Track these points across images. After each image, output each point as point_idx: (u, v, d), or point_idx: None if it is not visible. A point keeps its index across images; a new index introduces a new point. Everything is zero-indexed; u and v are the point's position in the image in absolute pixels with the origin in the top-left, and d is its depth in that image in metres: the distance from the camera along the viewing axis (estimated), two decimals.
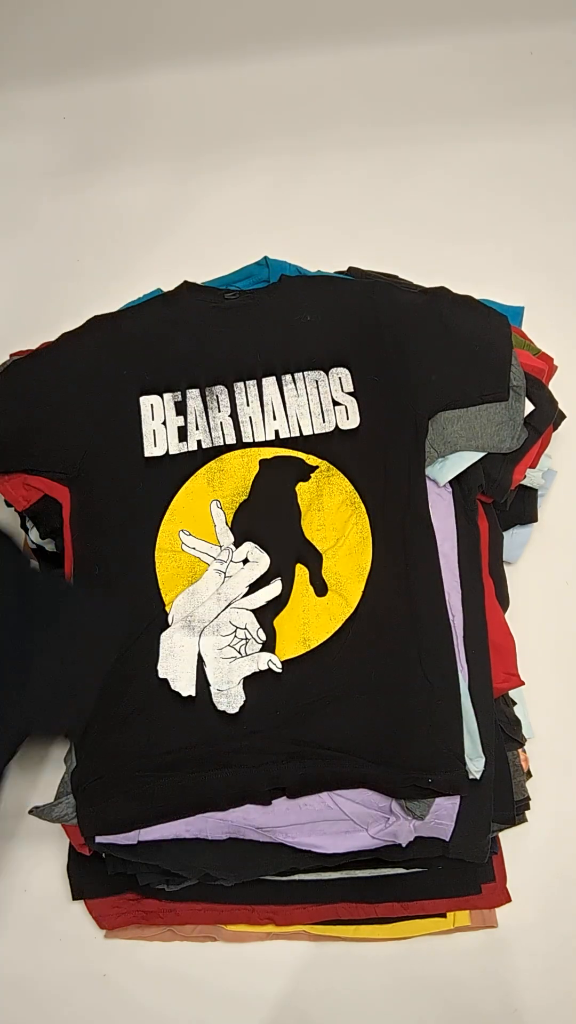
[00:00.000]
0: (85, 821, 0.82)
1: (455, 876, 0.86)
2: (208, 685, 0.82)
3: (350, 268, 1.05)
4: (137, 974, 0.91)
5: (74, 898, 0.90)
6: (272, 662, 0.82)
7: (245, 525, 0.87)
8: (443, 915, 0.88)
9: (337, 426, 0.88)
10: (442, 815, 0.81)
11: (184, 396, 0.90)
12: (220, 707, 0.81)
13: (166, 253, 1.14)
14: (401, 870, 0.86)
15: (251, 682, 0.82)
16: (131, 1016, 0.90)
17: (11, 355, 0.97)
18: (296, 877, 0.87)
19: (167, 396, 0.90)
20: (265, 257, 1.02)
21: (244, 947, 0.90)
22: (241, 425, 0.89)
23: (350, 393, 0.89)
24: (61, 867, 0.92)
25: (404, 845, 0.81)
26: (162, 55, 1.23)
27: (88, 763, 0.83)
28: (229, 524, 0.87)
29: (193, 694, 0.82)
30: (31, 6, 1.26)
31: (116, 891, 0.88)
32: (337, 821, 0.82)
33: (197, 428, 0.89)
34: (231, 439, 0.89)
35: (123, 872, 0.85)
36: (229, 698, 0.82)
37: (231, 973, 0.90)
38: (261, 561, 0.85)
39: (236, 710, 0.81)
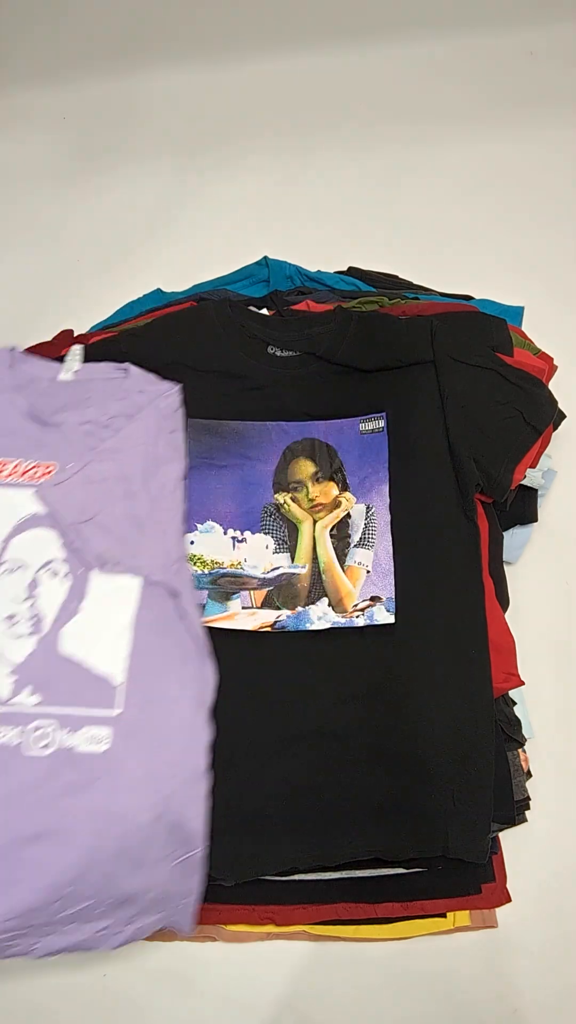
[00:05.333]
0: None
1: (455, 876, 0.86)
2: None
3: (350, 268, 1.05)
4: (137, 974, 0.90)
5: None
6: None
7: None
8: (443, 915, 0.88)
9: None
10: None
11: None
12: None
13: (166, 253, 1.14)
14: (401, 870, 0.86)
15: None
16: (131, 1016, 0.89)
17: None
18: (296, 877, 0.87)
19: None
20: (265, 257, 1.02)
21: (244, 947, 0.90)
22: None
23: None
24: None
25: None
26: (162, 55, 1.23)
27: None
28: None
29: None
30: (31, 6, 1.26)
31: None
32: None
33: None
34: None
35: None
36: None
37: (231, 973, 0.90)
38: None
39: None
